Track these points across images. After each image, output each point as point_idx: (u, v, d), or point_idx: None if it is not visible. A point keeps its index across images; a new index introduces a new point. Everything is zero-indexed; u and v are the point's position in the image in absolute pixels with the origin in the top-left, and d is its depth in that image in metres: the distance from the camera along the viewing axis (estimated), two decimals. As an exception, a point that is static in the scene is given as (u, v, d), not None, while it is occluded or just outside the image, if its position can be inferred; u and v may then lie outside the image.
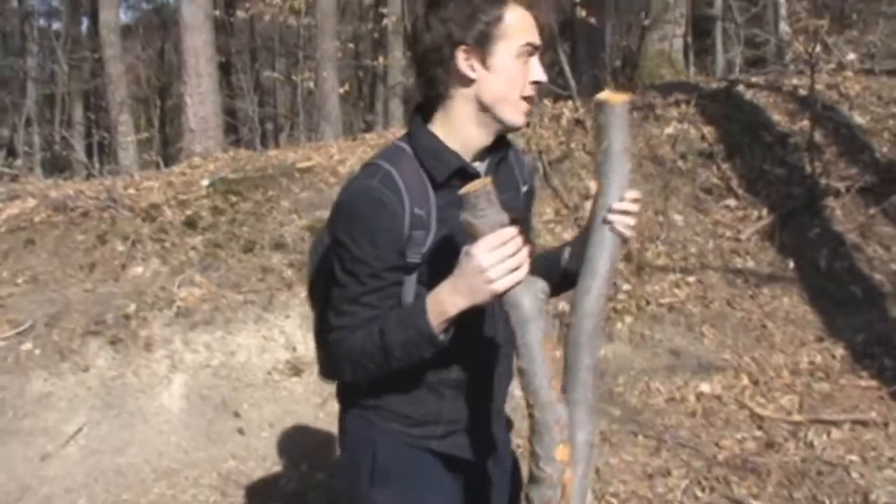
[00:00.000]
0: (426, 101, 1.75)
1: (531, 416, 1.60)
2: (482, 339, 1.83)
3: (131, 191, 5.45)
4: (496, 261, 1.54)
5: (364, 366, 1.70)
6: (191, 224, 5.03)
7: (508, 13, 1.67)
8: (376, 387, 1.80)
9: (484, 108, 1.70)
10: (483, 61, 1.67)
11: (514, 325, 1.57)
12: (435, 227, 1.70)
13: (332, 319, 1.73)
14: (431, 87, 1.71)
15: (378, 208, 1.65)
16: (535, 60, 1.71)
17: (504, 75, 1.69)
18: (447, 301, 1.60)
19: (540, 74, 1.72)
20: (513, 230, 1.55)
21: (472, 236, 1.56)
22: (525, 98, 1.72)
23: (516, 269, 1.55)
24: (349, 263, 1.68)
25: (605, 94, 1.63)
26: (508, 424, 2.02)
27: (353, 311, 1.69)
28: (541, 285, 1.60)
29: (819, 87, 6.43)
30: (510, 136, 1.82)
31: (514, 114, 1.72)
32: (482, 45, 1.66)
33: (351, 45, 12.08)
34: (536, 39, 1.70)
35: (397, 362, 1.67)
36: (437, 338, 1.62)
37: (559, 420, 1.60)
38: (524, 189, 1.92)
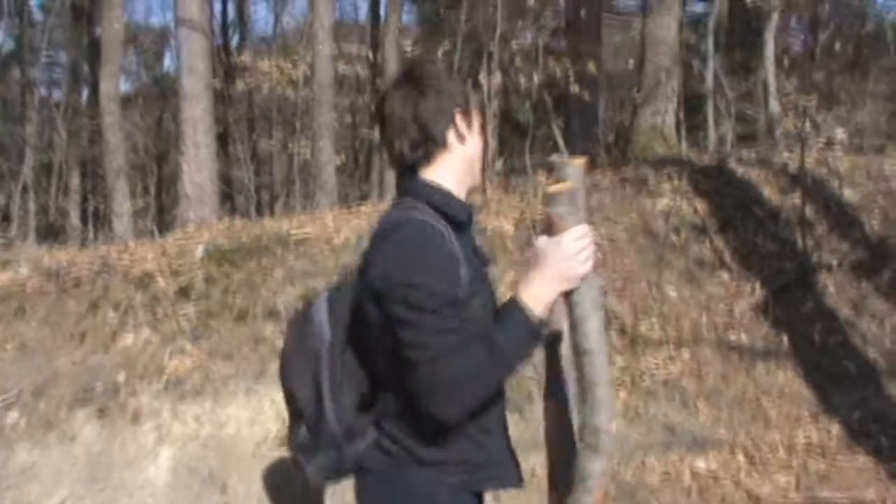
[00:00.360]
0: (416, 163, 1.90)
1: (590, 394, 1.85)
2: None
3: (125, 259, 5.44)
4: (581, 248, 1.79)
5: (477, 386, 1.75)
6: (184, 293, 5.02)
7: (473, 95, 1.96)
8: (436, 440, 1.82)
9: (469, 163, 1.93)
10: (469, 124, 1.91)
11: (580, 315, 1.82)
12: (465, 266, 1.81)
13: (418, 357, 1.71)
14: (434, 144, 1.87)
15: (439, 241, 1.79)
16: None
17: (479, 138, 1.95)
18: (543, 290, 1.79)
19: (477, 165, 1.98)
20: (588, 225, 1.82)
21: (556, 229, 1.81)
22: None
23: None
24: (424, 300, 1.71)
25: (561, 158, 1.91)
26: None
27: (439, 343, 1.71)
28: (598, 281, 1.88)
29: (809, 163, 6.52)
30: None
31: (479, 172, 1.98)
32: (468, 112, 1.92)
33: (348, 117, 12.24)
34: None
35: (512, 369, 1.79)
36: (542, 330, 1.81)
37: (613, 398, 1.75)
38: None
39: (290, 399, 1.96)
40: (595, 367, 1.85)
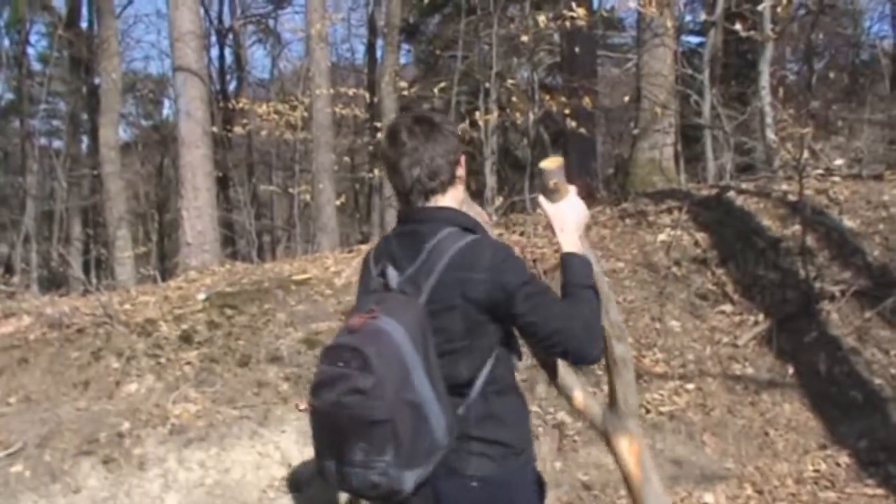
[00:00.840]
0: (432, 192, 2.30)
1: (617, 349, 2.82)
2: None
3: (127, 306, 5.46)
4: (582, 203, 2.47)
5: (598, 320, 2.34)
6: (186, 339, 5.02)
7: None
8: (519, 430, 2.31)
9: (462, 196, 2.41)
10: (462, 166, 2.38)
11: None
12: None
13: (558, 322, 2.21)
14: (449, 176, 2.31)
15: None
16: None
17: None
18: (574, 239, 2.41)
19: None
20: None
21: (560, 192, 2.47)
22: None
23: None
24: (537, 284, 2.25)
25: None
26: None
27: (560, 306, 2.26)
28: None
29: (808, 192, 6.53)
30: None
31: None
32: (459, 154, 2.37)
33: (346, 159, 12.31)
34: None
35: (598, 297, 2.36)
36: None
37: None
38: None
39: (376, 426, 2.07)
40: (619, 320, 2.83)
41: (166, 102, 21.48)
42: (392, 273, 2.25)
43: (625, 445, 2.88)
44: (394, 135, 2.31)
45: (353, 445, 2.08)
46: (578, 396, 2.95)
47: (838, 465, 4.43)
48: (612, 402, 2.92)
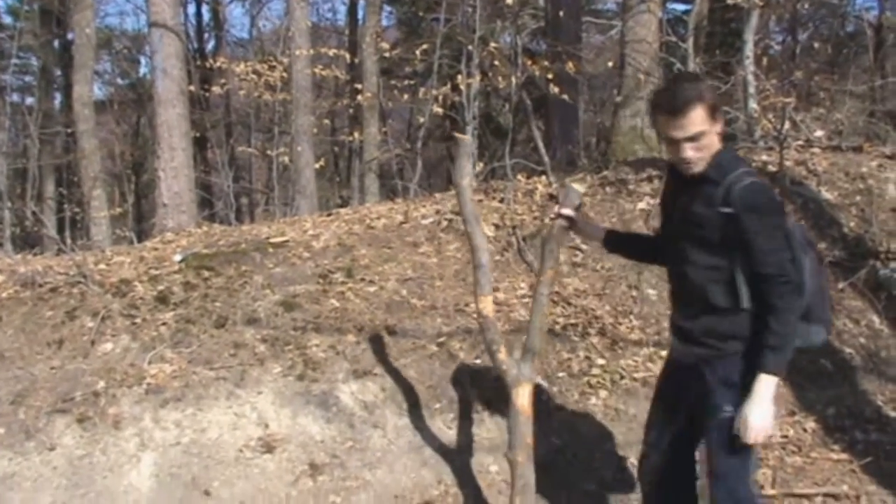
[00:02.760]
0: None
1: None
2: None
3: (102, 266, 5.41)
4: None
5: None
6: (162, 299, 4.99)
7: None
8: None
9: None
10: None
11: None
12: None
13: (790, 273, 2.90)
14: None
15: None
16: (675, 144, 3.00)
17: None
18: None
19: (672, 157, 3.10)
20: None
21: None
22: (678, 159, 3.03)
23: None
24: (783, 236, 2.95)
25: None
26: None
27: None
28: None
29: (788, 163, 6.57)
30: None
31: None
32: None
33: (326, 121, 12.20)
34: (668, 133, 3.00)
35: None
36: None
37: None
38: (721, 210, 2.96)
39: None
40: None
41: (143, 61, 21.18)
42: None
43: (525, 390, 3.68)
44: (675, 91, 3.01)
45: None
46: (502, 353, 3.75)
47: (805, 430, 4.50)
48: (522, 352, 3.74)
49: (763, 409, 2.91)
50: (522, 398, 3.64)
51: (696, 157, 2.96)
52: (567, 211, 3.52)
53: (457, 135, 4.07)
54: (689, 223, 3.04)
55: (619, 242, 3.73)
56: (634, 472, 4.39)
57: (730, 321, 3.01)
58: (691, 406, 3.17)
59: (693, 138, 2.93)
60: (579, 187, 3.62)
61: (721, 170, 2.98)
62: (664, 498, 3.38)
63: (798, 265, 2.94)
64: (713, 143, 2.98)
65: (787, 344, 2.92)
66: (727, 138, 10.87)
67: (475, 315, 5.12)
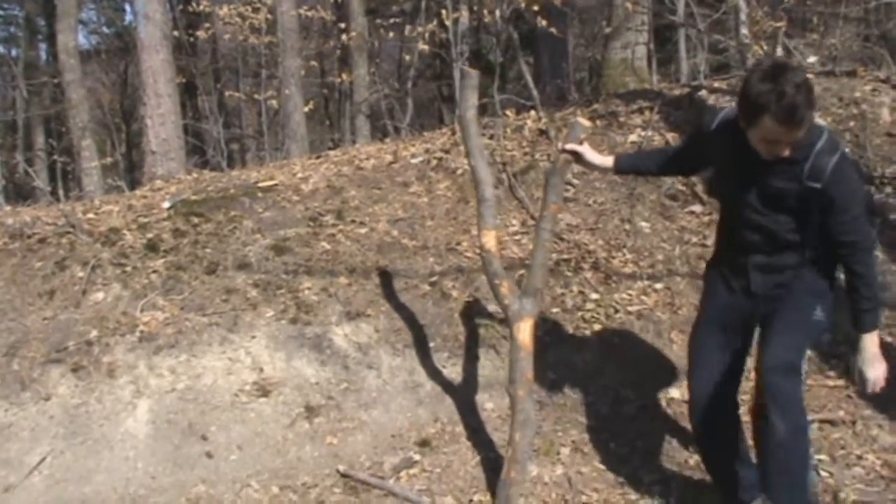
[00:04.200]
0: None
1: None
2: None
3: (90, 215, 5.36)
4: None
5: None
6: (152, 247, 4.95)
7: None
8: None
9: None
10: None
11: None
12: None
13: (870, 239, 3.21)
14: None
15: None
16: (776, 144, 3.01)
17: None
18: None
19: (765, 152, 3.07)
20: None
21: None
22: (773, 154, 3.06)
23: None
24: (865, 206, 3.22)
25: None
26: None
27: None
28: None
29: (779, 90, 6.46)
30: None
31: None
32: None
33: (314, 64, 12.03)
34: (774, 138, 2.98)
35: None
36: None
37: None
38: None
39: None
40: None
41: (128, 8, 20.79)
42: None
43: (527, 325, 3.64)
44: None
45: None
46: (504, 287, 3.73)
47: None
48: (524, 287, 3.74)
49: (875, 363, 3.21)
50: (524, 333, 3.62)
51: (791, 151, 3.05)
52: (571, 145, 3.60)
53: (464, 68, 4.05)
54: (768, 195, 3.17)
55: (630, 163, 3.86)
56: (630, 405, 4.43)
57: (804, 249, 3.25)
58: (772, 313, 3.34)
59: (798, 140, 3.00)
60: (585, 122, 3.67)
61: (803, 149, 3.05)
62: (721, 414, 3.50)
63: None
64: None
65: (878, 303, 3.26)
66: (720, 68, 10.73)
67: (467, 253, 5.11)
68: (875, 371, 3.21)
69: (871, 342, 3.21)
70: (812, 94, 2.91)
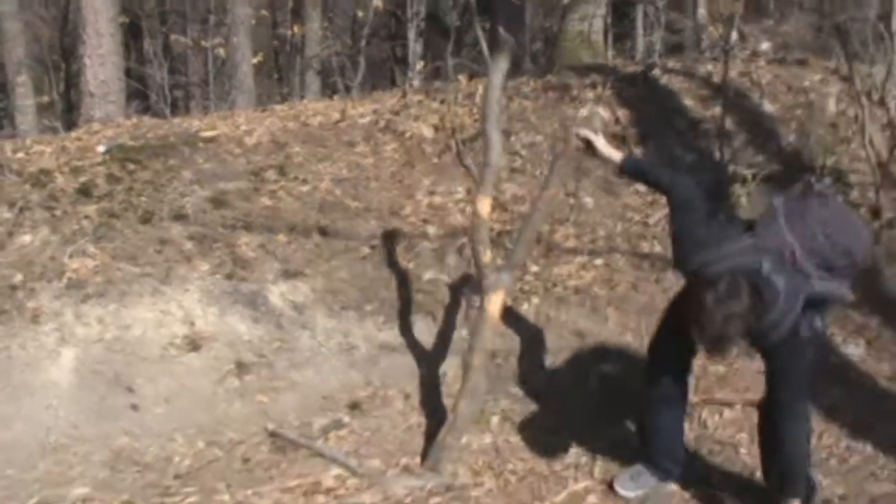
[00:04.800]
0: None
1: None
2: None
3: (20, 155, 5.16)
4: None
5: None
6: (85, 192, 4.79)
7: None
8: None
9: None
10: None
11: None
12: None
13: None
14: None
15: None
16: None
17: None
18: None
19: None
20: None
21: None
22: None
23: None
24: None
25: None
26: None
27: None
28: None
29: (732, 74, 6.51)
30: None
31: None
32: None
33: (265, 13, 11.77)
34: None
35: None
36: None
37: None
38: None
39: None
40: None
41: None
42: None
43: (499, 297, 3.68)
44: None
45: None
46: (487, 256, 3.73)
47: (732, 340, 4.57)
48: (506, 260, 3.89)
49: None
50: (494, 305, 3.66)
51: None
52: (586, 132, 3.66)
53: (502, 31, 4.04)
54: None
55: (636, 171, 3.76)
56: (563, 378, 4.45)
57: None
58: None
59: None
60: (603, 113, 3.73)
61: None
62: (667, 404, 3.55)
63: None
64: None
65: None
66: (676, 47, 10.78)
67: (410, 218, 5.06)
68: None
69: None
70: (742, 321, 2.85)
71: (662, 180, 3.47)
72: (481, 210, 3.80)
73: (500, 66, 3.87)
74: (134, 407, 4.02)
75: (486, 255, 3.76)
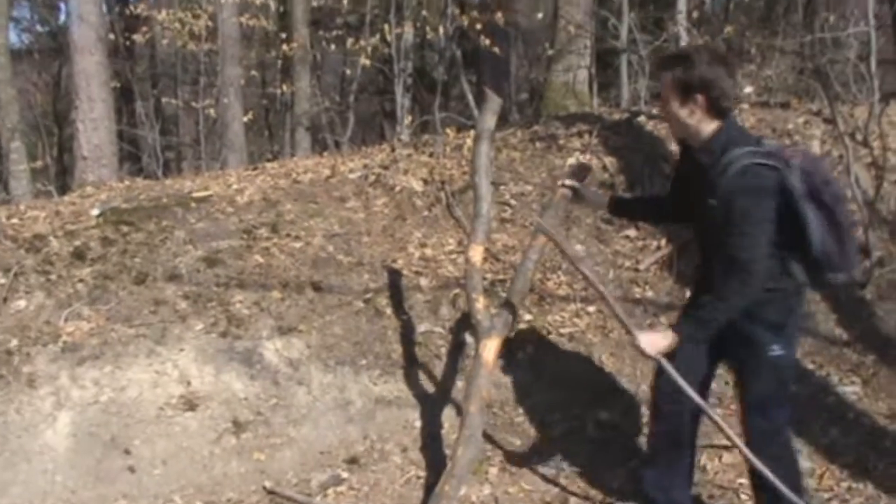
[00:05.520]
0: None
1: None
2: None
3: (15, 220, 5.20)
4: None
5: None
6: (79, 255, 4.82)
7: None
8: None
9: None
10: None
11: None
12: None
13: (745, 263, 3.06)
14: None
15: None
16: None
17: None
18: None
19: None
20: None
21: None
22: None
23: None
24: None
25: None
26: None
27: None
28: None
29: (715, 119, 6.60)
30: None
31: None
32: None
33: (255, 73, 11.91)
34: None
35: None
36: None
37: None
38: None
39: None
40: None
41: (63, 7, 20.30)
42: None
43: (494, 344, 3.70)
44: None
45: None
46: (480, 303, 3.81)
47: (727, 383, 4.57)
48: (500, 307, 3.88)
49: (658, 342, 3.24)
50: (489, 351, 3.70)
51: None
52: (571, 182, 3.77)
53: (488, 91, 4.22)
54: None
55: (625, 206, 3.97)
56: (559, 426, 4.45)
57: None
58: (733, 350, 3.34)
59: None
60: (587, 162, 3.81)
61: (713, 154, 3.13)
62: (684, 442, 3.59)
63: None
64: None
65: (710, 324, 3.15)
66: (659, 95, 10.91)
67: (402, 271, 5.09)
68: (650, 346, 3.22)
69: (672, 337, 3.21)
70: (677, 61, 3.13)
71: (649, 213, 3.88)
72: (474, 258, 3.92)
73: (488, 122, 4.04)
74: (131, 469, 4.01)
75: (480, 302, 3.81)
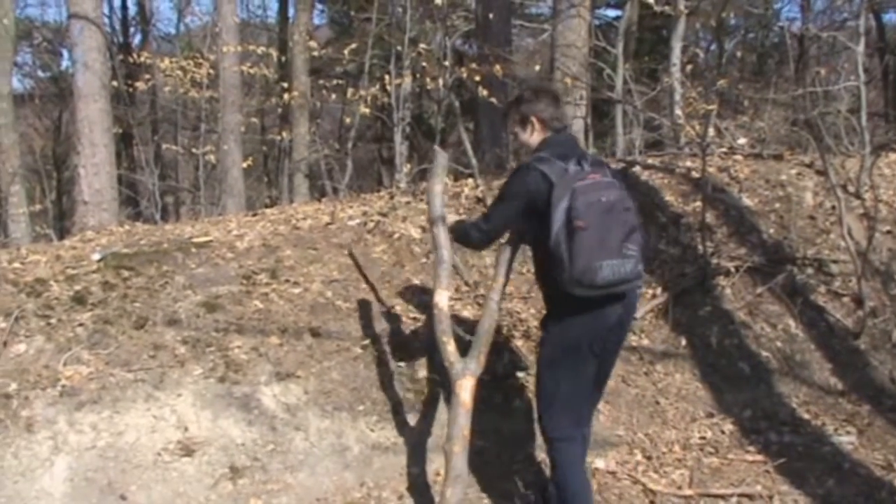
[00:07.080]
0: None
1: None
2: None
3: (16, 265, 5.23)
4: None
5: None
6: (79, 300, 4.85)
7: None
8: None
9: None
10: None
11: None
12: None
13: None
14: None
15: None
16: None
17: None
18: None
19: None
20: None
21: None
22: None
23: None
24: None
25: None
26: None
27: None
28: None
29: (711, 169, 6.71)
30: None
31: None
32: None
33: (254, 120, 12.04)
34: None
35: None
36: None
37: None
38: None
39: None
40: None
41: (65, 53, 20.53)
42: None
43: (468, 384, 3.78)
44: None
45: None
46: (451, 345, 3.90)
47: (723, 432, 4.61)
48: (470, 349, 3.91)
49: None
50: (465, 392, 3.76)
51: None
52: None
53: (437, 148, 4.56)
54: None
55: None
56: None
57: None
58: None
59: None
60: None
61: None
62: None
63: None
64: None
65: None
66: (654, 144, 11.05)
67: (401, 318, 5.12)
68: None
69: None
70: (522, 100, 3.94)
71: None
72: (440, 303, 4.03)
73: (439, 177, 4.40)
74: (127, 515, 3.99)
75: (451, 345, 3.91)
